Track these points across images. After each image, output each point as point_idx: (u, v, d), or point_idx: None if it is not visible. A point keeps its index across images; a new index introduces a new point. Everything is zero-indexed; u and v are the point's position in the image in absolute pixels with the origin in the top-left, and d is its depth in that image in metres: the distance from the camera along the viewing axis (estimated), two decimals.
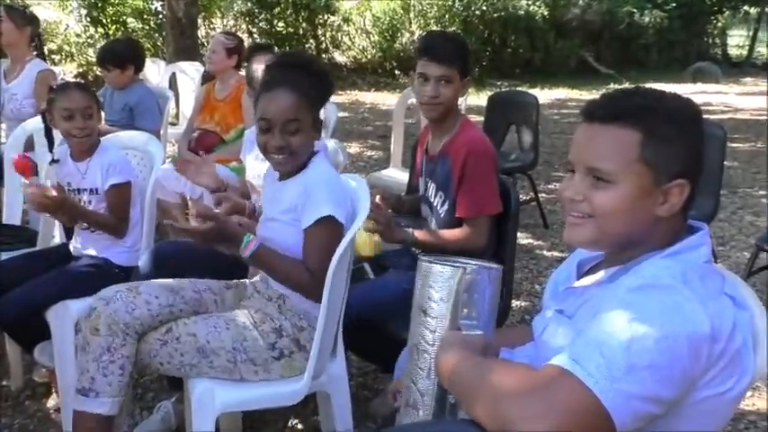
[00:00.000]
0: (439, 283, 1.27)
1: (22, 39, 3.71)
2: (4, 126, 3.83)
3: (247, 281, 2.00)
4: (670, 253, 1.09)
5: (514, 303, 3.22)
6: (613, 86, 11.86)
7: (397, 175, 4.01)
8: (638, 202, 1.09)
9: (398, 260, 2.33)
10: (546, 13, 13.20)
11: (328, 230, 1.73)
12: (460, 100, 2.43)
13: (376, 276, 2.29)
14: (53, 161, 2.46)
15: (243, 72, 4.05)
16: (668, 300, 0.99)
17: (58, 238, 2.82)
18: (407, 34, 12.81)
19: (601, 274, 1.17)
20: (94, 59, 10.34)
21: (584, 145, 1.14)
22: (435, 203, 2.20)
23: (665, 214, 1.11)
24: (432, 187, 2.21)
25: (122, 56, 3.69)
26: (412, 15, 12.81)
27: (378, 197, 2.23)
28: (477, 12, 12.70)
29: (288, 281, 1.78)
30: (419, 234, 2.16)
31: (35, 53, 3.81)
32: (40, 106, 3.54)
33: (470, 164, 2.07)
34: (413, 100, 4.46)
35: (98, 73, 10.21)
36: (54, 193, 2.30)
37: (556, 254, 3.93)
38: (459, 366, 1.10)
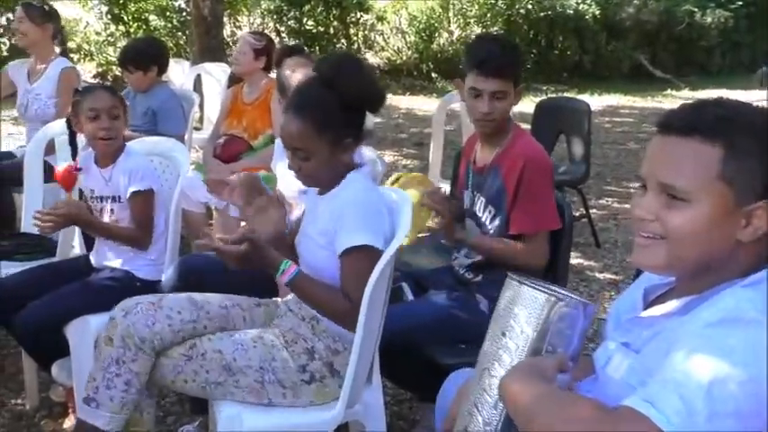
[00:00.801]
0: (529, 309, 1.24)
1: (44, 37, 3.82)
2: (26, 128, 3.95)
3: (279, 299, 2.02)
4: (753, 282, 1.07)
5: None
6: (671, 92, 11.79)
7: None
8: (716, 225, 1.08)
9: (439, 280, 2.33)
10: (597, 12, 13.12)
11: (365, 258, 1.75)
12: None
13: (415, 297, 2.30)
14: (77, 169, 2.51)
15: (273, 74, 4.12)
16: (753, 337, 0.97)
17: (78, 248, 2.89)
18: (446, 34, 12.83)
19: (672, 304, 1.15)
20: (114, 59, 10.62)
21: (659, 159, 1.12)
22: (483, 219, 2.20)
23: (747, 239, 1.09)
24: (480, 201, 2.20)
25: (145, 56, 3.77)
26: (451, 14, 12.84)
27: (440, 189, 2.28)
28: (522, 10, 12.68)
29: (324, 309, 1.80)
30: (480, 240, 2.17)
31: (59, 51, 3.92)
32: (62, 105, 3.65)
33: (527, 177, 2.07)
34: (454, 105, 4.48)
35: (117, 73, 10.50)
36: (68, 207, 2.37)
37: (609, 276, 3.89)
38: (527, 395, 1.08)
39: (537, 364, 1.16)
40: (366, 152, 2.79)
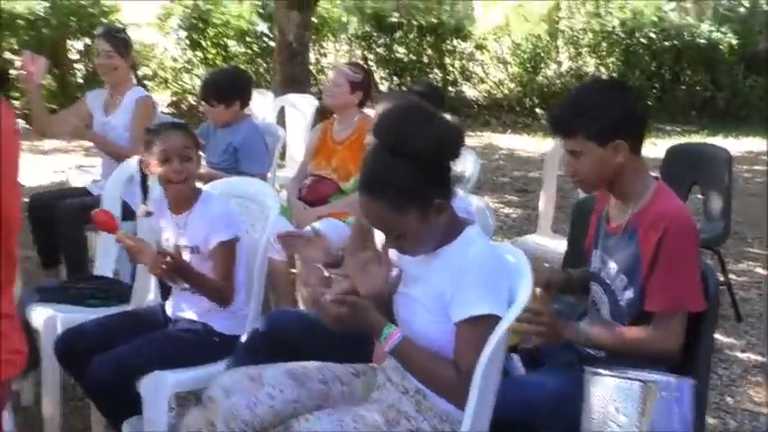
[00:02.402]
0: (622, 401, 1.21)
1: (125, 68, 4.04)
2: (100, 161, 4.16)
3: (377, 366, 2.03)
4: None
5: None
6: None
7: (547, 243, 3.96)
8: None
9: (556, 353, 2.28)
10: (734, 41, 12.80)
11: (484, 327, 1.75)
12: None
13: (528, 372, 2.25)
14: (148, 213, 2.61)
15: (367, 111, 4.20)
16: None
17: (152, 295, 2.99)
18: (554, 65, 12.82)
19: None
20: (190, 86, 11.15)
21: None
22: (615, 288, 2.15)
23: None
24: (612, 267, 2.16)
25: (228, 90, 3.91)
26: (560, 42, 12.83)
27: (538, 289, 2.20)
28: (643, 39, 12.52)
29: (431, 381, 1.80)
30: (593, 333, 2.11)
31: (135, 81, 4.14)
32: (136, 135, 3.84)
33: (668, 244, 2.01)
34: None
35: (192, 102, 11.01)
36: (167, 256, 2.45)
37: (753, 357, 3.72)
38: None
39: None
40: (474, 201, 2.80)
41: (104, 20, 10.17)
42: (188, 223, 2.55)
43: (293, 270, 3.83)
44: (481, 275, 1.78)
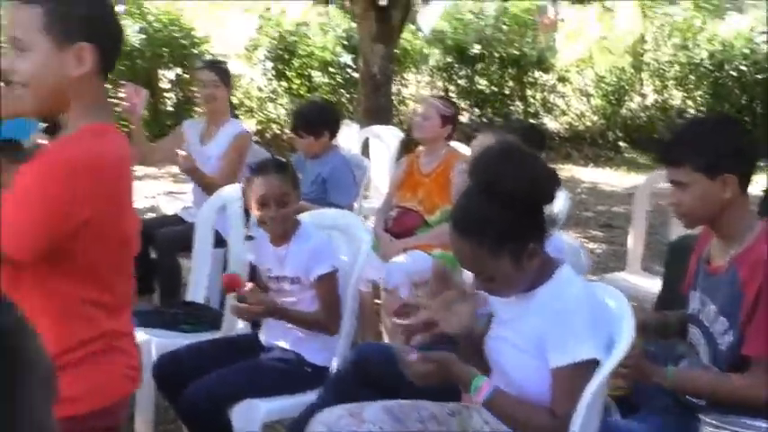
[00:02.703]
0: None
1: (225, 99, 4.17)
2: (193, 189, 4.29)
3: (470, 405, 2.01)
4: None
5: None
6: None
7: (637, 282, 3.87)
8: None
9: (652, 397, 2.23)
10: None
11: (584, 373, 1.73)
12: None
13: (623, 416, 2.21)
14: (248, 238, 2.68)
15: (455, 144, 4.22)
16: None
17: (242, 323, 3.06)
18: (638, 98, 12.60)
19: None
20: (274, 115, 11.40)
21: None
22: (714, 331, 2.08)
23: None
24: (711, 309, 2.10)
25: (317, 122, 4.00)
26: (645, 75, 12.62)
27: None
28: (733, 72, 12.20)
29: (525, 430, 1.79)
30: (685, 377, 2.06)
31: (231, 112, 4.26)
32: (226, 166, 3.95)
33: None
34: (663, 184, 4.33)
35: (277, 131, 11.26)
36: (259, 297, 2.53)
37: None
38: None
39: None
40: (568, 240, 2.77)
41: (195, 50, 10.53)
42: (288, 255, 2.61)
43: (377, 300, 3.86)
44: (581, 319, 1.76)
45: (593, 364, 1.74)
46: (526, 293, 1.84)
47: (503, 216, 1.73)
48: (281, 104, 11.43)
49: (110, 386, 1.58)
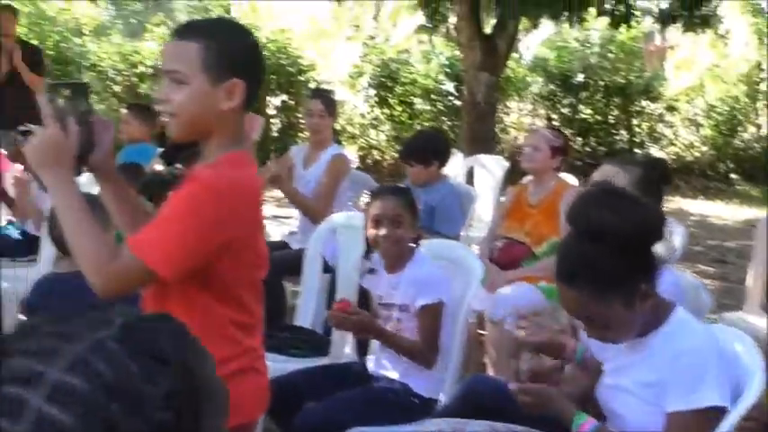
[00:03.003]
0: None
1: (330, 126, 4.27)
2: (298, 216, 4.37)
3: None
4: None
5: None
6: None
7: (756, 322, 3.67)
8: None
9: None
10: None
11: (706, 421, 1.66)
12: None
13: None
14: (370, 270, 2.71)
15: (562, 175, 4.15)
16: None
17: (349, 349, 3.08)
18: (752, 128, 12.11)
19: None
20: (376, 141, 11.54)
21: None
22: None
23: None
24: None
25: (428, 151, 4.02)
26: (760, 105, 12.11)
27: None
28: None
29: None
30: None
31: (334, 138, 4.36)
32: (323, 189, 4.01)
33: None
34: None
35: (377, 157, 11.39)
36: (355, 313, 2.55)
37: None
38: None
39: None
40: (686, 276, 2.67)
41: (301, 78, 10.80)
42: (399, 282, 2.63)
43: (482, 332, 3.81)
44: (705, 363, 1.68)
45: (716, 413, 1.67)
46: (640, 339, 1.78)
47: (607, 260, 1.67)
48: (382, 131, 11.57)
49: (248, 404, 1.64)
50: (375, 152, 11.40)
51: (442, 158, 4.07)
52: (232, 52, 1.61)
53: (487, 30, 7.85)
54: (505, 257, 3.83)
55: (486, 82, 7.57)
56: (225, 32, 1.66)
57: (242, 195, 1.61)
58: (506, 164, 5.59)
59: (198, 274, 1.56)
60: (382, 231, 2.59)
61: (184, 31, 1.65)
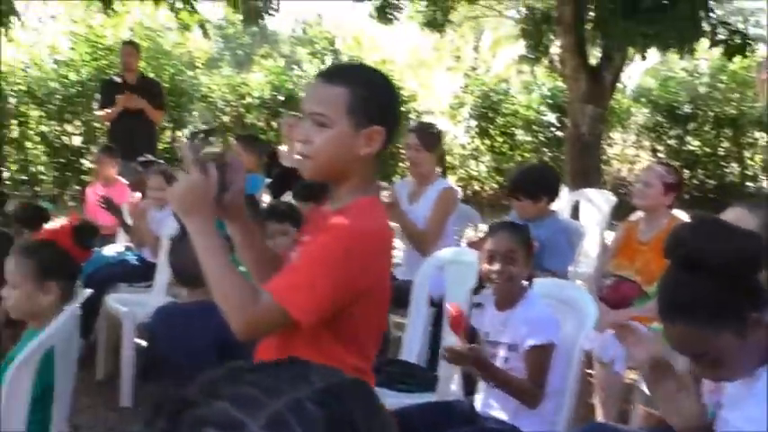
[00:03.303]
0: None
1: (430, 160, 4.26)
2: (403, 249, 4.39)
3: None
4: None
5: None
6: None
7: None
8: None
9: None
10: None
11: None
12: None
13: None
14: (476, 305, 2.69)
15: (675, 211, 4.02)
16: None
17: (455, 386, 3.05)
18: None
19: None
20: (476, 172, 11.50)
21: None
22: None
23: None
24: None
25: (537, 185, 3.95)
26: None
27: None
28: None
29: None
30: None
31: (439, 171, 4.34)
32: (432, 224, 4.00)
33: None
34: None
35: (477, 188, 11.35)
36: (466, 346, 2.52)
37: None
38: None
39: None
40: None
41: (403, 108, 10.91)
42: (509, 320, 2.60)
43: (590, 371, 3.71)
44: None
45: None
46: (753, 373, 1.69)
47: (709, 289, 1.61)
48: (482, 162, 11.53)
49: None
50: (475, 183, 11.37)
51: (552, 193, 4.01)
52: (377, 99, 1.63)
53: (593, 61, 7.73)
54: (615, 296, 3.73)
55: (592, 114, 7.43)
56: (371, 79, 1.69)
57: (378, 245, 1.62)
58: (614, 199, 5.45)
59: (329, 320, 1.57)
60: (495, 267, 2.58)
61: (332, 75, 1.67)
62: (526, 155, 11.30)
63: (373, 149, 1.63)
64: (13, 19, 6.50)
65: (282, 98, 11.14)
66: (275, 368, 0.71)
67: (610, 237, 5.18)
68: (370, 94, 1.62)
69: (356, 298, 1.58)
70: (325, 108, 1.61)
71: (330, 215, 1.64)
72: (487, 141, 11.46)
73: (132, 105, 6.66)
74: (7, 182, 9.79)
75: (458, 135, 11.42)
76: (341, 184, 1.67)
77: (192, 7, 7.32)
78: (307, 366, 0.71)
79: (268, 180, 5.88)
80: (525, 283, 2.66)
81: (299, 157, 1.67)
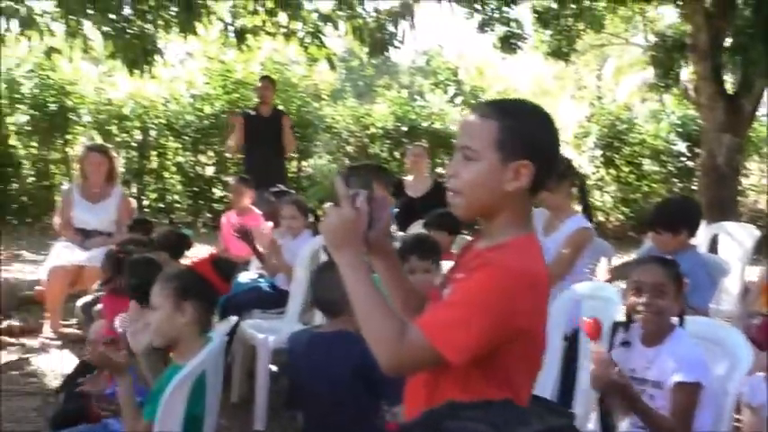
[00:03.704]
0: None
1: (559, 193, 4.15)
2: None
3: None
4: None
5: None
6: None
7: None
8: None
9: None
10: None
11: None
12: None
13: None
14: (623, 343, 2.60)
15: None
16: None
17: (592, 424, 2.95)
18: None
19: None
20: (600, 203, 11.18)
21: None
22: None
23: None
24: None
25: (678, 219, 3.81)
26: None
27: None
28: None
29: None
30: None
31: (580, 208, 4.23)
32: (562, 260, 3.90)
33: None
34: None
35: (601, 218, 11.02)
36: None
37: None
38: None
39: None
40: None
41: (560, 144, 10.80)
42: (656, 357, 2.51)
43: (737, 416, 3.51)
44: None
45: None
46: None
47: None
48: (607, 192, 11.22)
49: None
50: (599, 214, 11.07)
51: (693, 227, 3.85)
52: (528, 133, 1.60)
53: (730, 89, 7.41)
54: (764, 336, 3.54)
55: (729, 144, 7.11)
56: (525, 113, 1.65)
57: (534, 286, 1.56)
58: (758, 233, 5.17)
59: (480, 359, 1.53)
60: (643, 299, 2.50)
61: (485, 109, 1.65)
62: (654, 185, 10.92)
63: (522, 184, 1.59)
64: (156, 57, 6.87)
65: (405, 129, 11.26)
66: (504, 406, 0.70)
67: (752, 273, 4.93)
68: (519, 128, 1.60)
69: (510, 339, 1.54)
70: (474, 141, 1.60)
71: (485, 252, 1.61)
72: (613, 171, 11.16)
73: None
74: (146, 209, 10.35)
75: (582, 165, 11.18)
76: (492, 220, 1.64)
77: (321, 42, 7.52)
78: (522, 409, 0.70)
79: (395, 210, 5.92)
80: (675, 319, 2.55)
81: (450, 193, 1.66)
